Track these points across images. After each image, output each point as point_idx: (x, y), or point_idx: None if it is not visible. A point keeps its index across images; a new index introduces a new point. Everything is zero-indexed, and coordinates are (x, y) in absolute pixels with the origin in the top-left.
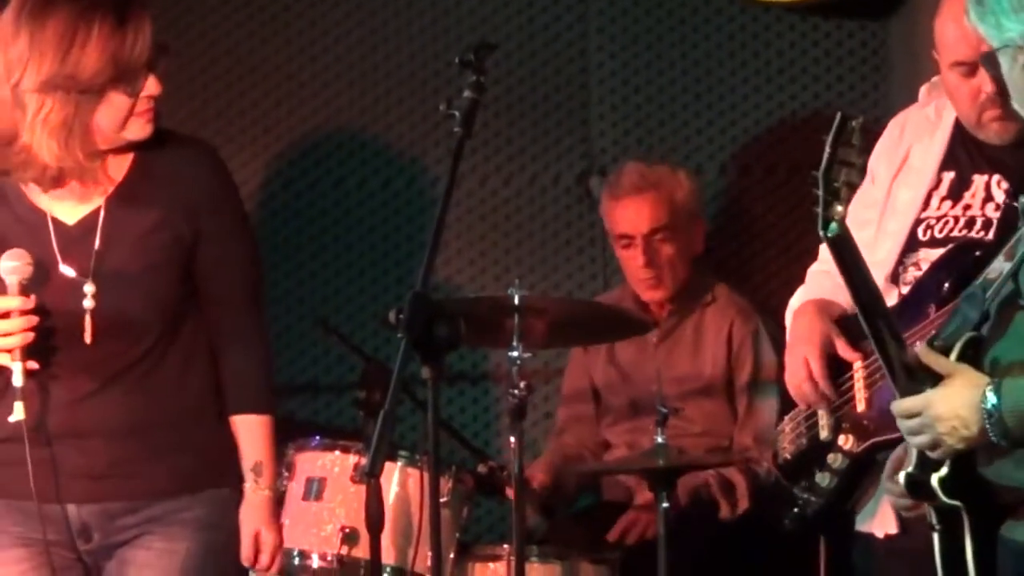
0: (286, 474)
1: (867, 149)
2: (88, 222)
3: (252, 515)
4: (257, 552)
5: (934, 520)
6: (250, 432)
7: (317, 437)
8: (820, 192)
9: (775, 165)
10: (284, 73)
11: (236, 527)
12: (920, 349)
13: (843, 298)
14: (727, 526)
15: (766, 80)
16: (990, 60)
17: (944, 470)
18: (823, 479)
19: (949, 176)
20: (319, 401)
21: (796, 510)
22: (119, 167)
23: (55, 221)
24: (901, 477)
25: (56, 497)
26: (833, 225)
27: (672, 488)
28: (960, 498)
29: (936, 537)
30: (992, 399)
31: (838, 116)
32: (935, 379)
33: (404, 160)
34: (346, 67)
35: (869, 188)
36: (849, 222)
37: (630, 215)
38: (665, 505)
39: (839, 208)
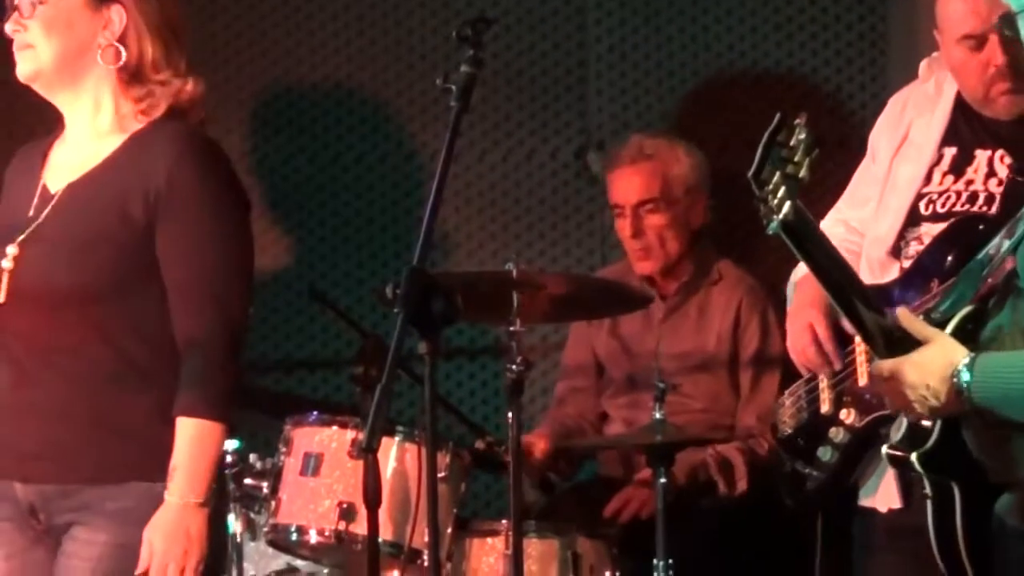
0: (283, 449)
1: (815, 146)
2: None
3: (153, 520)
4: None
5: (928, 490)
6: (178, 434)
7: (314, 413)
8: (756, 193)
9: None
10: (283, 48)
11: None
12: (900, 312)
13: None
14: (726, 504)
15: (764, 55)
16: (1008, 22)
17: (926, 446)
18: (825, 453)
19: (951, 151)
20: (316, 376)
21: (798, 485)
22: (111, 145)
23: (43, 188)
24: (883, 450)
25: (5, 472)
26: (773, 224)
27: (670, 464)
28: (944, 473)
29: (929, 505)
30: (965, 376)
31: (777, 116)
32: (914, 344)
33: (402, 135)
34: (344, 41)
35: (869, 166)
36: (849, 200)
37: (622, 185)
38: (663, 481)
39: (787, 204)
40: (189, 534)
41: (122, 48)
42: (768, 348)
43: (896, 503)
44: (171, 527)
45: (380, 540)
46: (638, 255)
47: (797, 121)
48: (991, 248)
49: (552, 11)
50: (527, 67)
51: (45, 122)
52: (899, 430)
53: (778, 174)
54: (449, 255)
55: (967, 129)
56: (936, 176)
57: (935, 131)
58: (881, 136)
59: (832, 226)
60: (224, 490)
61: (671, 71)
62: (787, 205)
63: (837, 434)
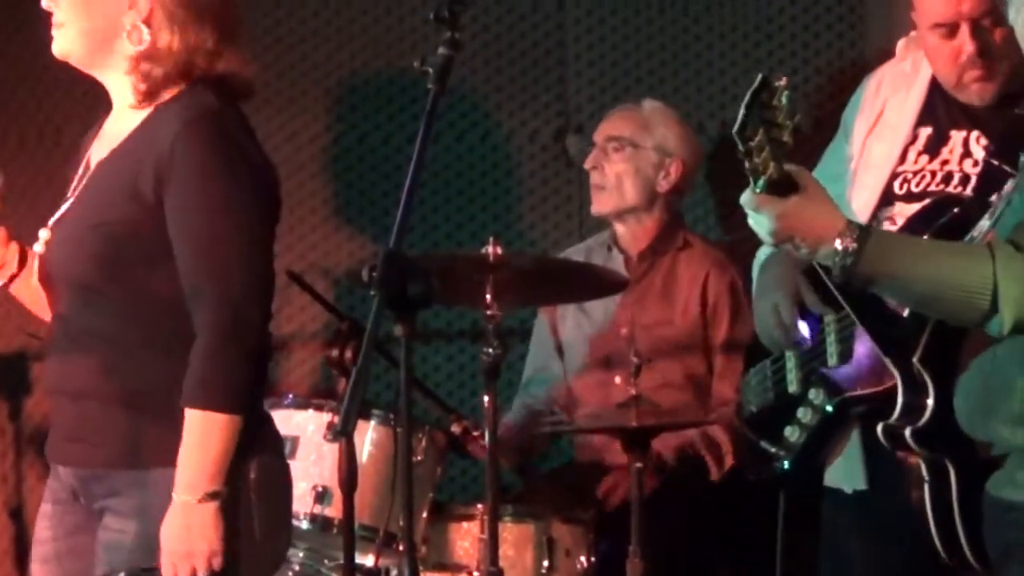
0: None
1: (796, 111)
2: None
3: (164, 521)
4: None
5: (924, 472)
6: (184, 426)
7: (290, 395)
8: (739, 150)
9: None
10: (260, 28)
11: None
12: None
13: None
14: (711, 486)
15: (743, 37)
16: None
17: (920, 422)
18: (792, 433)
19: (926, 131)
20: (292, 359)
21: (764, 463)
22: (135, 121)
23: (87, 165)
24: (879, 428)
25: (53, 456)
26: (761, 181)
27: (648, 448)
28: (939, 450)
29: (926, 489)
30: (851, 244)
31: (759, 76)
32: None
33: (380, 116)
34: (322, 22)
35: (842, 143)
36: (820, 176)
37: (603, 124)
38: (639, 465)
39: (760, 165)
40: (191, 532)
41: (145, 30)
42: (739, 320)
43: (861, 484)
44: (174, 527)
45: (356, 524)
46: (594, 192)
47: (779, 83)
48: (976, 231)
49: None
50: (505, 49)
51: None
52: (896, 408)
53: (762, 132)
54: (426, 237)
55: (943, 109)
56: (911, 155)
57: (910, 110)
58: (855, 114)
59: None
60: None
61: (650, 53)
62: (772, 166)
63: (805, 414)
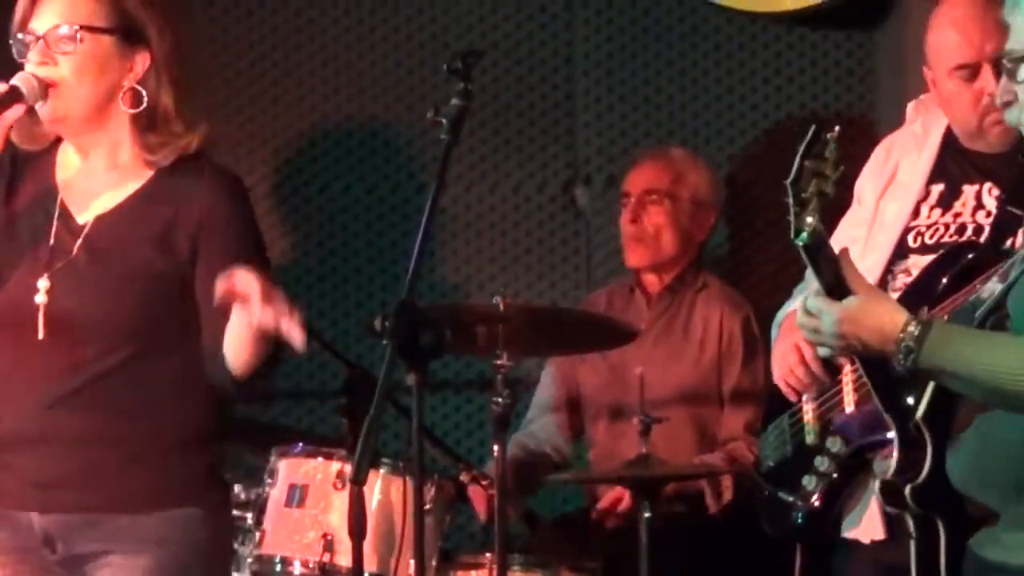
0: (268, 480)
1: (842, 161)
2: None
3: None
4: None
5: (911, 528)
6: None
7: (300, 444)
8: (790, 202)
9: (760, 176)
10: (270, 79)
11: (202, 547)
12: (842, 251)
13: None
14: (711, 532)
15: (752, 90)
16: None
17: (919, 479)
18: (810, 482)
19: (938, 188)
20: (302, 408)
21: (782, 514)
22: (136, 179)
23: (68, 216)
24: (876, 484)
25: (20, 504)
26: (804, 234)
27: (656, 498)
28: (932, 508)
29: (913, 545)
30: (913, 334)
31: (812, 127)
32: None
33: (389, 167)
34: (332, 72)
35: (855, 209)
36: (838, 241)
37: (634, 175)
38: (648, 515)
39: (809, 218)
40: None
41: (143, 92)
42: (752, 356)
43: (880, 535)
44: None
45: (364, 572)
46: (632, 243)
47: (830, 134)
48: (983, 292)
49: (540, 44)
50: (515, 100)
51: None
52: (891, 463)
53: (813, 184)
54: (435, 288)
55: (954, 166)
56: (924, 211)
57: (922, 169)
58: (867, 181)
59: None
60: None
61: (659, 105)
62: (814, 219)
63: (823, 463)
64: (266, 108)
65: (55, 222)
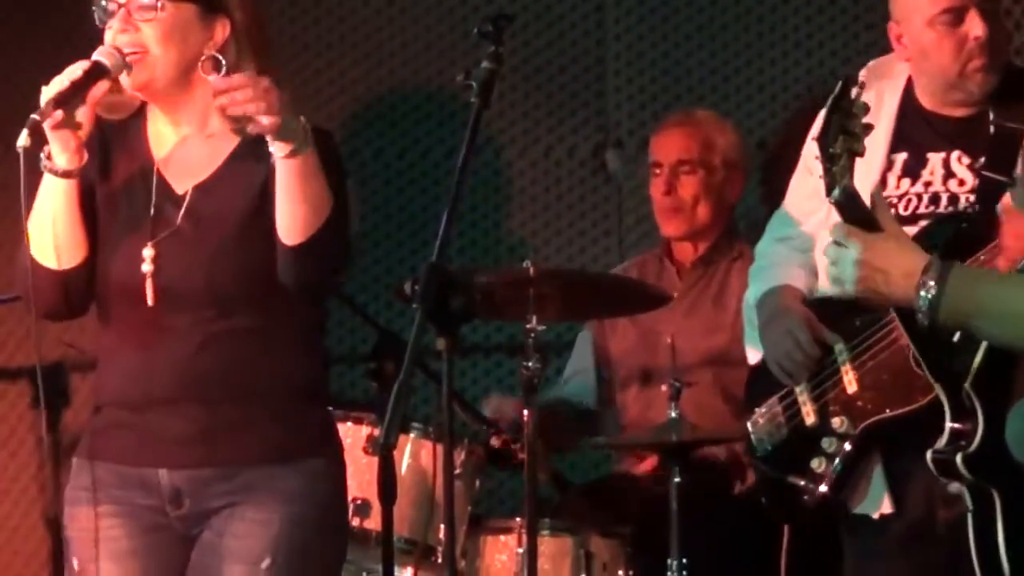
0: None
1: (868, 120)
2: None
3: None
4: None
5: (968, 501)
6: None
7: (330, 408)
8: (820, 158)
9: (793, 138)
10: (300, 43)
11: (331, 499)
12: (875, 191)
13: (800, 282)
14: (741, 500)
15: (783, 53)
16: None
17: (970, 448)
18: (820, 464)
19: (901, 156)
20: (332, 372)
21: (792, 498)
22: (228, 144)
23: (165, 187)
24: (928, 455)
25: (150, 461)
26: (836, 191)
27: (686, 462)
28: (987, 478)
29: (970, 518)
30: (932, 282)
31: (840, 82)
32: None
33: (420, 131)
34: (363, 37)
35: (806, 178)
36: (786, 217)
37: (663, 144)
38: (677, 480)
39: (839, 172)
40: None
41: (222, 60)
42: None
43: (888, 508)
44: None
45: (395, 537)
46: (668, 214)
47: (857, 87)
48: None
49: (570, 7)
50: (545, 64)
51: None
52: (944, 434)
53: (841, 140)
54: (464, 251)
55: (916, 133)
56: (891, 180)
57: (881, 139)
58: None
59: (770, 246)
60: None
61: (689, 69)
62: (847, 178)
63: (831, 444)
64: (297, 72)
65: (154, 194)
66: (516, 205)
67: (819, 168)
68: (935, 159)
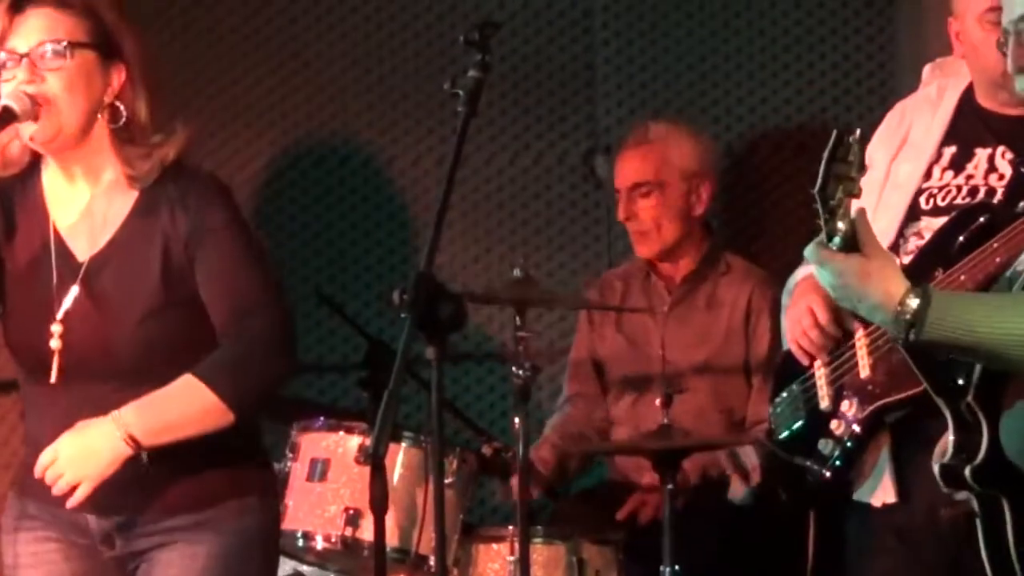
0: (290, 455)
1: (864, 163)
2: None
3: (76, 427)
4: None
5: (976, 507)
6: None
7: (321, 418)
8: (819, 209)
9: (781, 144)
10: (289, 51)
11: (262, 532)
12: (857, 214)
13: None
14: (735, 508)
15: (772, 58)
16: None
17: (977, 460)
18: (826, 446)
19: (950, 150)
20: (323, 381)
21: (797, 479)
22: (124, 204)
23: (67, 256)
24: (935, 467)
25: (77, 507)
26: (836, 239)
27: (678, 470)
28: (995, 486)
29: (979, 524)
30: (912, 305)
31: (834, 133)
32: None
33: (408, 140)
34: (350, 44)
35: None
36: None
37: (619, 168)
38: (670, 487)
39: (840, 223)
40: (92, 450)
41: (121, 107)
42: (780, 337)
43: (891, 498)
44: (86, 437)
45: (387, 546)
46: (635, 237)
47: (852, 138)
48: (1019, 264)
49: (559, 14)
50: (534, 71)
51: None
52: (947, 447)
53: (840, 189)
54: (455, 259)
55: (968, 128)
56: (936, 172)
57: (936, 131)
58: (879, 144)
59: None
60: None
61: (678, 74)
62: (845, 223)
63: (839, 427)
64: (285, 80)
65: (54, 264)
66: (506, 212)
67: (877, 161)
68: (982, 154)
